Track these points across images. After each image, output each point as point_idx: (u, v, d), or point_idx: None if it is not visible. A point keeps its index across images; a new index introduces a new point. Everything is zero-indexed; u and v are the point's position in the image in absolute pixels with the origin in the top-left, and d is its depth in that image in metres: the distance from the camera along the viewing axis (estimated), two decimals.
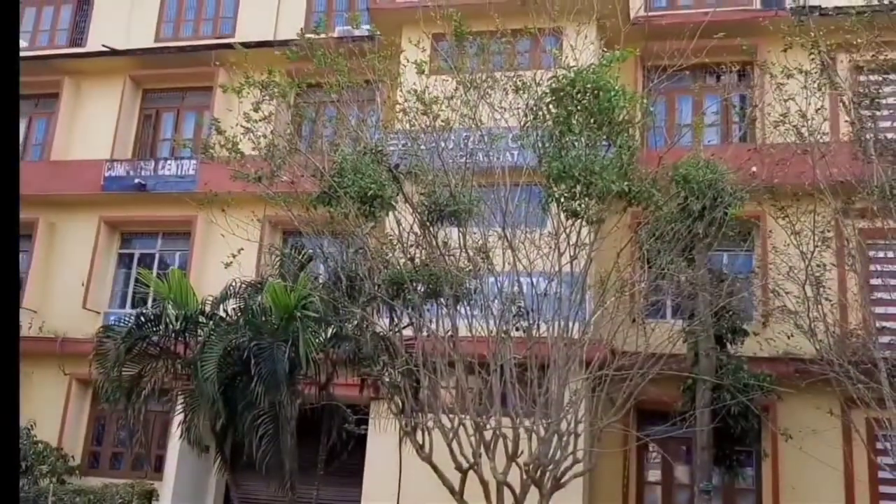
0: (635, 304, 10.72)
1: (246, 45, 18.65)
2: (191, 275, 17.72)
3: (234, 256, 11.03)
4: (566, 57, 11.92)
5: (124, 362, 10.02)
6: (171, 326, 9.83)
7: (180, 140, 13.19)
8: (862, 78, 14.20)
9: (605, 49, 12.82)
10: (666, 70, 11.92)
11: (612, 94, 9.07)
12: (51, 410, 17.72)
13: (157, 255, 19.29)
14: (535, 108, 9.60)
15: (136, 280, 19.10)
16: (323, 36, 18.14)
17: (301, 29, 12.93)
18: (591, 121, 9.04)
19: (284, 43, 18.36)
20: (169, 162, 18.84)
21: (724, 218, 11.49)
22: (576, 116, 8.93)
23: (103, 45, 19.77)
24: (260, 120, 11.39)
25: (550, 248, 9.74)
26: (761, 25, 15.58)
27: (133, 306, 18.89)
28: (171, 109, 20.16)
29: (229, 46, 18.91)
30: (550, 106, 9.10)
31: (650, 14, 15.86)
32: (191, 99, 19.98)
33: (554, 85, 9.20)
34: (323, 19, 19.33)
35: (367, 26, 18.54)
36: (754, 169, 13.82)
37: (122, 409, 10.37)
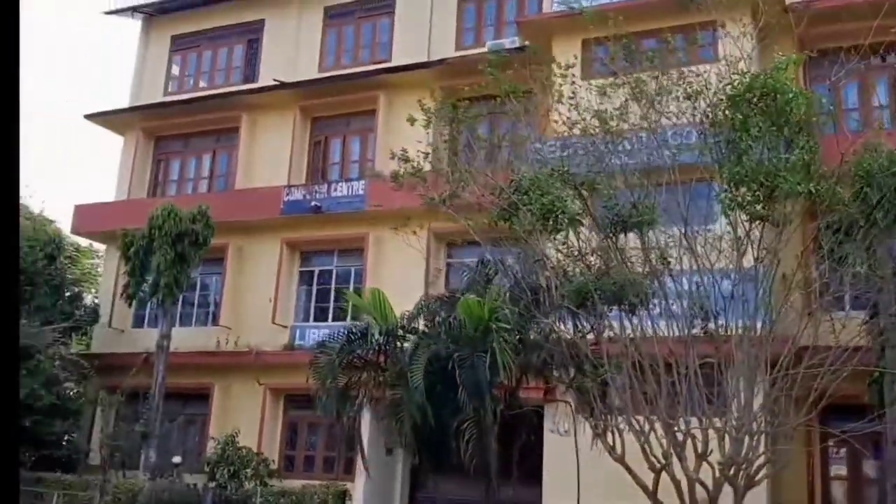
0: (820, 299, 10.47)
1: (403, 68, 19.78)
2: (366, 287, 18.69)
3: (438, 271, 11.54)
4: (724, 51, 11.82)
5: (337, 374, 10.80)
6: (375, 340, 10.52)
7: (370, 170, 13.91)
8: None
9: (762, 39, 12.58)
10: (828, 55, 11.61)
11: (790, 96, 8.98)
12: (249, 418, 19.10)
13: (334, 272, 20.40)
14: (710, 114, 9.61)
15: (317, 295, 20.38)
16: (478, 52, 19.04)
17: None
18: (769, 124, 8.97)
19: (439, 62, 19.30)
20: (340, 184, 19.91)
21: None
22: (753, 120, 8.88)
23: (274, 80, 21.13)
24: (443, 143, 11.81)
25: (732, 248, 9.72)
26: None
27: (315, 320, 20.14)
28: (338, 135, 21.29)
29: (388, 71, 20.07)
30: (727, 111, 9.09)
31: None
32: (355, 123, 21.02)
33: (730, 91, 9.19)
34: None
35: (515, 38, 18.98)
36: None
37: (335, 417, 11.13)
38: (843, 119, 12.71)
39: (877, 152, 10.64)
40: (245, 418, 19.01)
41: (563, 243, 10.38)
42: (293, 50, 21.91)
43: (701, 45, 13.85)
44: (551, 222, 9.44)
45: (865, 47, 13.89)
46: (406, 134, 18.59)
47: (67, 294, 21.92)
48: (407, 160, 12.09)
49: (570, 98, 10.92)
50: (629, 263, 10.12)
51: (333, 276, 20.35)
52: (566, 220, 9.45)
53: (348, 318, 19.48)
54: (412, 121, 12.47)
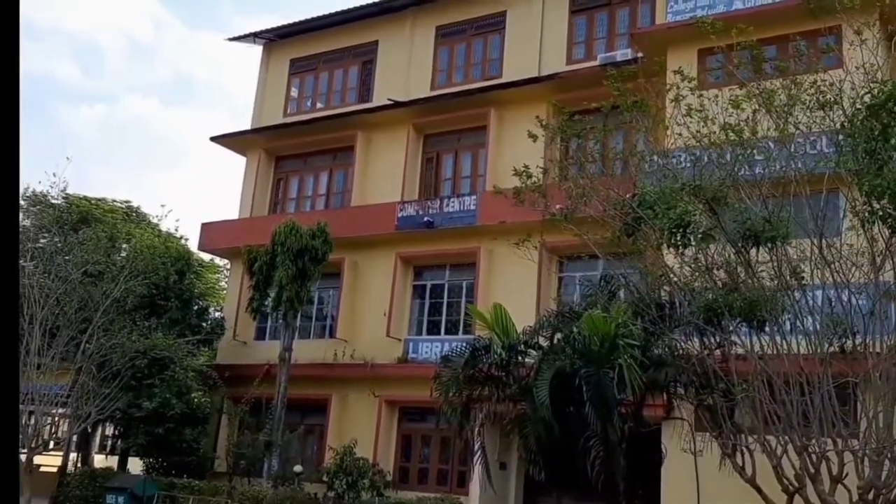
0: None
1: (514, 83, 19.84)
2: (477, 301, 18.82)
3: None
4: (849, 58, 11.33)
5: (461, 388, 10.86)
6: (498, 355, 10.52)
7: (495, 188, 13.96)
8: None
9: (889, 41, 11.97)
10: None
11: None
12: (365, 430, 19.42)
13: (445, 286, 20.56)
14: (846, 124, 9.20)
15: (429, 309, 20.60)
16: (589, 65, 18.94)
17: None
18: None
19: (550, 77, 19.27)
20: (452, 200, 20.08)
21: None
22: (893, 129, 8.43)
23: (388, 99, 21.56)
24: (561, 158, 11.78)
25: (869, 262, 9.26)
26: None
27: (427, 333, 20.35)
28: (449, 151, 21.52)
29: (499, 87, 20.16)
30: (865, 120, 8.67)
31: None
32: (466, 139, 21.19)
33: (869, 100, 8.77)
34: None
35: (627, 50, 18.74)
36: None
37: (457, 429, 11.19)
38: None
39: None
40: (361, 429, 19.34)
41: (693, 258, 10.09)
42: (406, 69, 22.31)
43: (826, 51, 13.35)
44: (679, 237, 9.21)
45: None
46: (518, 149, 18.85)
47: (195, 308, 22.93)
48: (529, 176, 12.06)
49: (699, 110, 10.65)
50: (759, 278, 9.76)
51: (445, 290, 20.51)
52: (698, 236, 9.19)
53: (460, 331, 19.68)
54: (534, 137, 12.42)
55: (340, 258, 20.74)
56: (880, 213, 8.40)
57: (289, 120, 23.81)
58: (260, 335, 22.53)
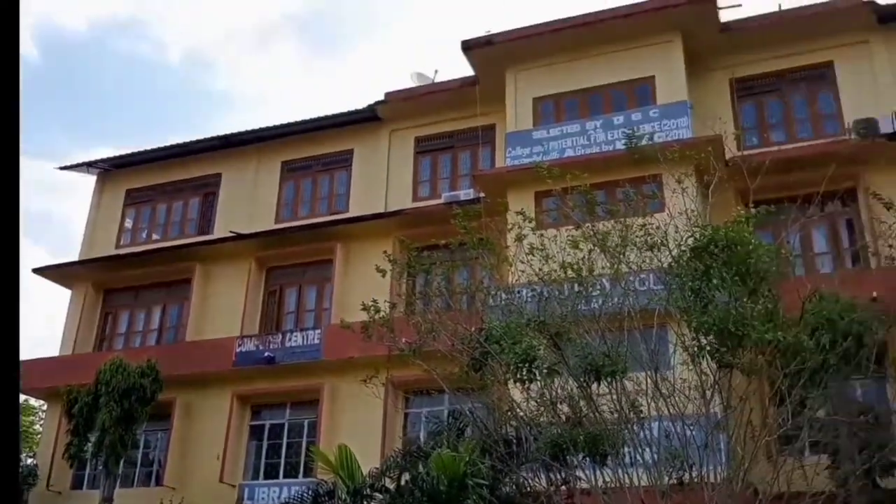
0: (786, 446, 10.46)
1: (360, 218, 20.10)
2: (320, 441, 18.15)
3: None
4: (672, 203, 12.35)
5: None
6: (343, 501, 10.02)
7: (345, 322, 13.80)
8: None
9: (705, 190, 13.23)
10: (770, 205, 12.20)
11: (750, 248, 9.37)
12: None
13: (286, 425, 19.74)
14: (673, 265, 9.91)
15: (268, 451, 19.61)
16: (434, 203, 19.56)
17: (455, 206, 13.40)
18: (732, 273, 9.28)
19: (396, 213, 19.69)
20: (295, 334, 19.62)
21: (858, 348, 11.32)
22: (715, 271, 9.19)
23: (230, 231, 21.17)
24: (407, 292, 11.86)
25: (700, 395, 9.75)
26: (858, 153, 15.82)
27: (265, 477, 19.28)
28: (293, 284, 21.20)
29: (346, 221, 20.35)
30: (689, 262, 9.40)
31: (744, 152, 16.15)
32: (311, 273, 21.01)
33: (693, 242, 9.53)
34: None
35: (470, 190, 19.58)
36: (874, 294, 13.68)
37: None
38: (791, 266, 13.19)
39: (829, 300, 11.03)
40: None
41: (539, 393, 10.26)
42: (250, 202, 22.13)
43: (650, 196, 14.53)
44: (525, 372, 9.38)
45: (802, 196, 14.88)
46: (364, 283, 18.86)
47: None
48: (378, 310, 12.04)
49: (540, 249, 11.16)
50: (601, 412, 10.02)
51: (286, 430, 19.67)
52: (543, 370, 9.39)
53: (301, 474, 18.79)
54: (383, 272, 12.48)
55: (171, 398, 19.56)
56: (708, 348, 8.95)
57: (121, 251, 22.80)
58: (77, 484, 20.53)
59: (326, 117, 21.86)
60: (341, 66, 62.48)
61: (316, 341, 19.27)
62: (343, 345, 18.05)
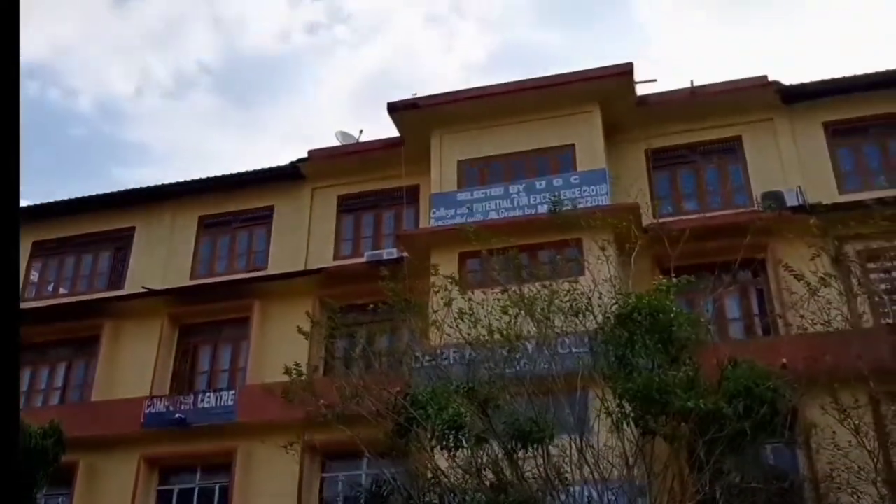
0: None
1: (280, 276, 19.89)
2: None
3: None
4: (596, 269, 12.77)
5: None
6: None
7: (267, 385, 13.53)
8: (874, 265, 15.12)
9: (626, 258, 13.74)
10: (685, 273, 12.73)
11: (672, 315, 9.74)
12: None
13: (196, 490, 19.04)
14: (600, 332, 10.19)
15: None
16: (356, 262, 19.57)
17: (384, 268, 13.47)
18: (655, 340, 9.61)
19: (317, 272, 19.57)
20: (208, 395, 19.10)
21: (773, 415, 11.77)
22: (639, 338, 9.50)
23: (143, 287, 20.60)
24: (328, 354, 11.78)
25: (622, 461, 9.94)
26: (767, 224, 16.65)
27: None
28: (208, 343, 20.71)
29: (265, 279, 20.09)
30: (614, 329, 9.69)
31: (660, 220, 16.81)
32: (227, 331, 20.58)
33: (617, 310, 9.83)
34: None
35: (393, 250, 19.67)
36: (784, 360, 14.32)
37: None
38: (709, 334, 13.67)
39: (744, 368, 11.47)
40: None
41: (466, 460, 10.26)
42: (164, 257, 21.64)
43: (571, 260, 14.97)
44: (452, 439, 9.38)
45: (714, 264, 15.56)
46: (283, 342, 18.65)
47: None
48: (301, 373, 11.88)
49: (468, 313, 11.30)
50: (525, 479, 10.09)
51: (196, 496, 18.95)
52: (472, 438, 9.42)
53: None
54: (306, 334, 12.37)
55: (74, 460, 18.58)
56: (632, 414, 9.18)
57: (26, 305, 21.83)
58: None
59: (247, 173, 21.74)
60: (261, 120, 62.21)
61: (230, 403, 18.80)
62: (259, 407, 17.69)
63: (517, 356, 10.98)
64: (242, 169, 21.79)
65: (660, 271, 16.36)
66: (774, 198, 17.02)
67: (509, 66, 64.67)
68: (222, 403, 18.84)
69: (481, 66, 61.79)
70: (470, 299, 11.92)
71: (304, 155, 21.28)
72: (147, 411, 19.06)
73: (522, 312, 11.16)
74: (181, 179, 22.13)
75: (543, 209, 17.88)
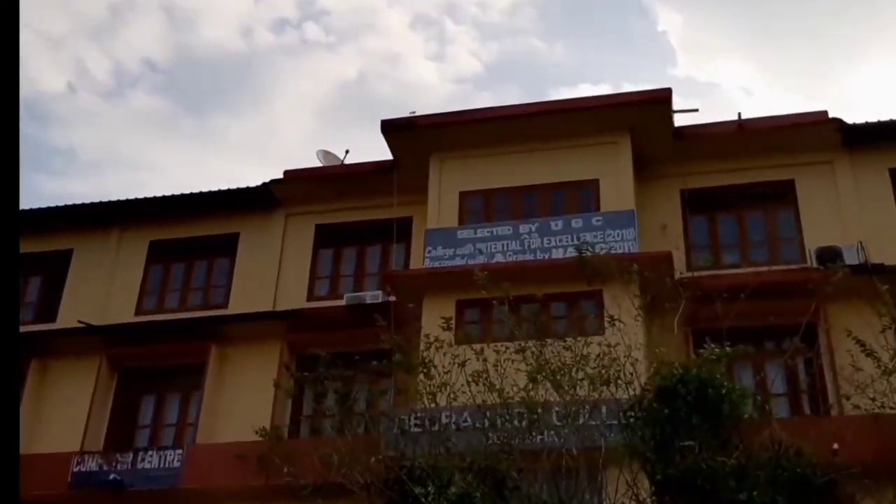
0: None
1: (243, 317, 19.68)
2: None
3: None
4: (624, 329, 12.69)
5: None
6: None
7: (233, 446, 13.29)
8: None
9: (644, 312, 13.64)
10: (720, 336, 12.66)
11: (723, 390, 9.68)
12: None
13: None
14: (637, 409, 10.08)
15: None
16: (334, 304, 19.42)
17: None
18: (700, 419, 9.52)
19: (288, 314, 19.37)
20: (150, 453, 18.69)
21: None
22: (683, 415, 9.40)
23: (79, 321, 20.28)
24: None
25: None
26: (822, 285, 16.63)
27: None
28: (152, 392, 20.35)
29: (225, 320, 19.86)
30: (653, 404, 9.61)
31: (695, 274, 16.81)
32: (177, 379, 20.21)
33: (658, 381, 9.75)
34: None
35: (378, 292, 19.54)
36: (836, 446, 14.22)
37: None
38: (766, 412, 13.57)
39: (790, 453, 11.38)
40: None
41: None
42: (106, 287, 21.36)
43: (595, 317, 14.90)
44: None
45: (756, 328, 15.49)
46: (243, 395, 18.52)
47: None
48: (279, 437, 11.70)
49: (482, 374, 11.19)
50: None
51: None
52: None
53: None
54: (290, 392, 12.20)
55: None
56: None
57: None
58: None
59: (209, 194, 21.58)
60: (217, 130, 61.65)
61: (176, 464, 18.39)
62: (210, 470, 17.42)
63: (538, 427, 10.83)
64: (196, 187, 21.94)
65: (691, 333, 16.45)
66: (831, 254, 17.01)
67: (509, 78, 64.57)
68: (166, 464, 18.44)
69: (477, 78, 61.62)
70: (485, 359, 11.78)
71: (279, 176, 21.21)
72: (76, 469, 18.61)
73: (545, 379, 11.03)
74: (128, 196, 22.03)
75: (559, 254, 17.93)
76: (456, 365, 11.99)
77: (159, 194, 21.77)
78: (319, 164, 21.67)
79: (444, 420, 12.43)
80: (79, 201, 22.45)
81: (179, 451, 18.60)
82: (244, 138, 58.02)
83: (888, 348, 13.79)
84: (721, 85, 58.13)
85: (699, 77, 60.90)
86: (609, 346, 11.76)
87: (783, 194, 19.09)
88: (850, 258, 17.01)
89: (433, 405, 12.13)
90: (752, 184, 19.18)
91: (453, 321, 15.97)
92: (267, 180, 21.17)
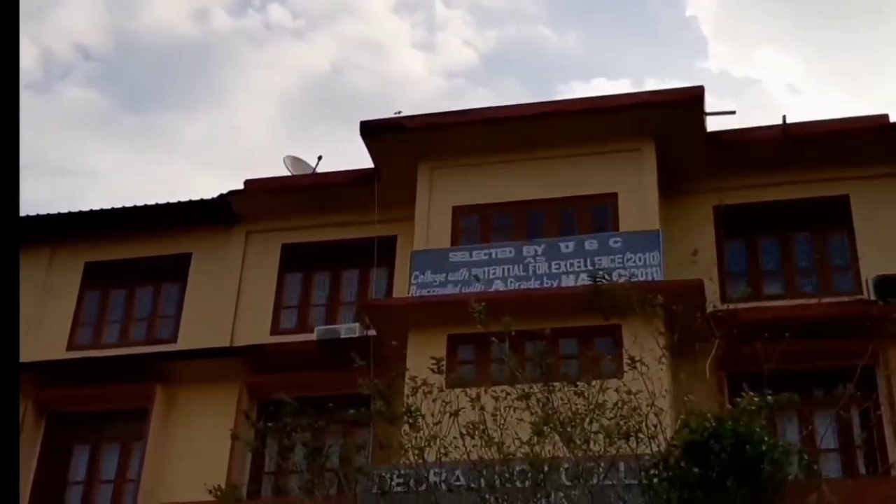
0: None
1: (195, 353, 19.68)
2: None
3: None
4: (636, 364, 12.74)
5: None
6: None
7: None
8: None
9: (670, 353, 13.70)
10: (758, 380, 12.71)
11: (764, 446, 9.70)
12: None
13: None
14: (661, 467, 10.10)
15: None
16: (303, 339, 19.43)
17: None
18: (736, 481, 9.55)
19: (252, 351, 19.36)
20: None
21: None
22: (717, 475, 9.43)
23: None
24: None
25: None
26: (881, 321, 16.68)
27: None
28: (86, 441, 20.38)
29: (173, 356, 19.85)
30: (680, 462, 9.64)
31: (731, 307, 16.82)
32: (116, 426, 20.30)
33: (687, 435, 9.79)
34: None
35: (355, 325, 19.58)
36: None
37: None
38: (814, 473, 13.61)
39: None
40: None
41: None
42: (32, 316, 21.22)
43: (606, 355, 14.93)
44: None
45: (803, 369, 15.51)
46: (195, 446, 18.51)
47: None
48: (237, 498, 11.74)
49: (477, 426, 11.22)
50: None
51: None
52: None
53: None
54: (250, 444, 12.23)
55: None
56: None
57: None
58: None
59: (155, 207, 21.57)
60: (164, 129, 60.88)
61: None
62: None
63: (544, 488, 10.86)
64: (139, 198, 21.92)
65: (726, 378, 16.47)
66: (892, 284, 17.07)
67: (511, 72, 63.78)
68: None
69: (472, 72, 60.88)
70: (482, 407, 11.84)
71: (239, 186, 21.29)
72: None
73: (553, 431, 11.09)
74: (59, 210, 22.10)
75: (570, 281, 18.02)
76: (447, 414, 12.05)
77: (96, 207, 21.91)
78: (287, 173, 21.77)
79: (432, 479, 12.46)
80: None
81: None
82: (197, 141, 57.61)
83: None
84: (761, 82, 57.97)
85: (735, 72, 60.90)
86: (629, 392, 11.81)
87: (835, 213, 19.19)
88: None
89: (420, 461, 12.13)
90: (798, 200, 19.22)
91: (444, 361, 15.97)
92: (225, 191, 21.28)
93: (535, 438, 11.24)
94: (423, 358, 14.58)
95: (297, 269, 21.31)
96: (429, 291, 18.59)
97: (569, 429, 11.16)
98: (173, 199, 21.61)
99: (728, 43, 58.62)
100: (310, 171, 21.90)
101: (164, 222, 21.61)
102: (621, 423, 11.13)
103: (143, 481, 18.83)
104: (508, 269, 18.69)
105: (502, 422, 11.69)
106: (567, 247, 18.66)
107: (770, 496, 9.94)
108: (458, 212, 19.70)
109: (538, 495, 11.00)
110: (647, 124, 18.97)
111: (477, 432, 11.63)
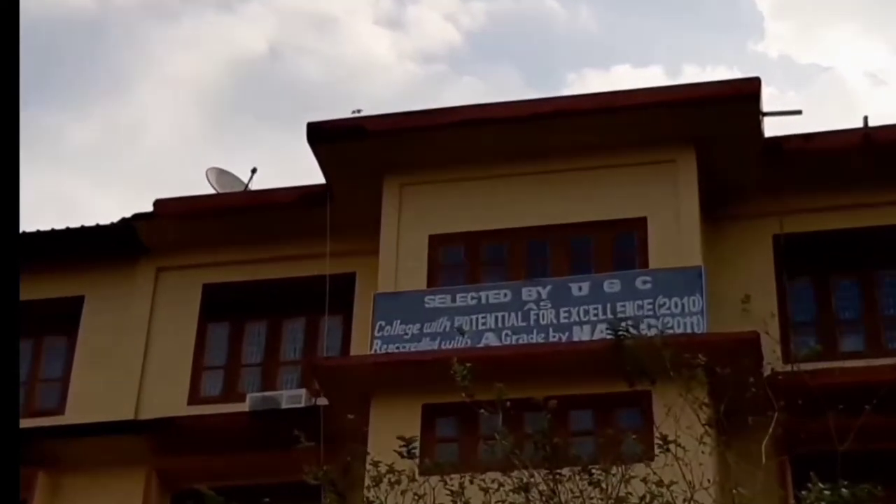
0: None
1: (87, 429, 19.49)
2: None
3: None
4: (670, 444, 12.65)
5: None
6: None
7: None
8: None
9: (716, 430, 13.62)
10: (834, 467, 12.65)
11: None
12: None
13: None
14: None
15: None
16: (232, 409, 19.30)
17: None
18: None
19: (163, 426, 19.16)
20: None
21: None
22: None
23: None
24: None
25: None
26: None
27: None
28: None
29: (59, 432, 19.67)
30: None
31: (795, 369, 16.74)
32: None
33: None
34: None
35: (301, 391, 19.45)
36: None
37: None
38: None
39: None
40: None
41: None
42: None
43: (630, 433, 14.81)
44: None
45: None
46: None
47: None
48: None
49: None
50: None
51: None
52: None
53: None
54: None
55: None
56: None
57: None
58: None
59: (36, 235, 21.32)
60: (50, 127, 60.69)
61: None
62: None
63: None
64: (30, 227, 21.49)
65: (789, 463, 16.36)
66: None
67: (505, 57, 61.82)
68: None
69: (454, 56, 59.95)
70: (466, 501, 11.82)
71: (144, 207, 21.20)
72: None
73: None
74: None
75: (584, 334, 17.84)
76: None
77: None
78: (211, 191, 21.67)
79: None
80: None
81: None
82: (90, 147, 56.56)
83: None
84: (833, 70, 58.31)
85: (799, 58, 61.14)
86: (660, 483, 11.86)
87: None
88: None
89: None
90: (884, 228, 19.05)
91: (417, 440, 15.86)
92: (127, 215, 21.11)
93: None
94: (389, 436, 14.43)
95: (224, 318, 21.20)
96: (398, 347, 18.38)
97: None
98: (59, 226, 21.49)
99: (790, 20, 58.91)
100: (241, 189, 21.79)
101: (47, 256, 21.29)
102: None
103: None
104: (503, 317, 18.48)
105: None
106: (580, 289, 18.42)
107: None
108: (435, 242, 19.52)
109: None
110: (685, 127, 18.80)
111: None
